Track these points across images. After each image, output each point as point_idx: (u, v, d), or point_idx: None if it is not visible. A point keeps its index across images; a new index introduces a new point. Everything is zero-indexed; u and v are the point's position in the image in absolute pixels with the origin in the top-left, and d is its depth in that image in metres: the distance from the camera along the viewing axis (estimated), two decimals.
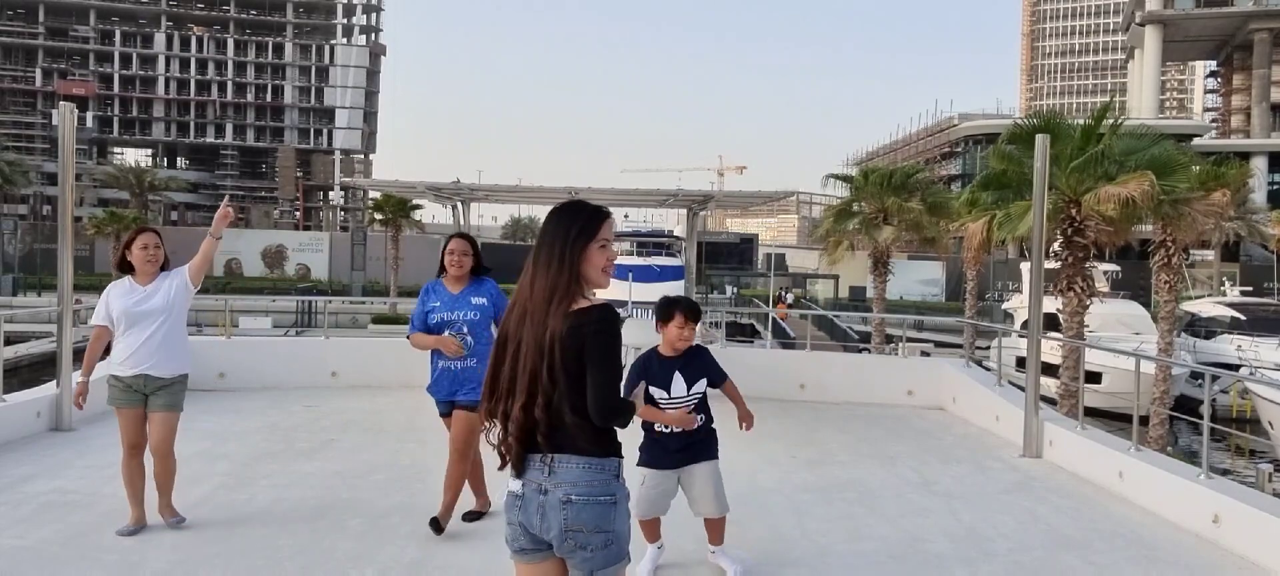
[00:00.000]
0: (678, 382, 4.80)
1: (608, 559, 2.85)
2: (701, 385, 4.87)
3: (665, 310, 4.84)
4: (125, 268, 5.44)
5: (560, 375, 2.80)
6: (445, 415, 5.69)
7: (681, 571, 5.14)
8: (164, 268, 5.47)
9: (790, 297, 51.68)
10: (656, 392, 4.75)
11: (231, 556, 5.10)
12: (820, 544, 5.67)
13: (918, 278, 59.19)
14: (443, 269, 5.64)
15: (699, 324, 4.82)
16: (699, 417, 4.85)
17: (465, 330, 5.48)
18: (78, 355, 8.28)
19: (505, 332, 2.93)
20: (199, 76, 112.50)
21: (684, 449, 4.88)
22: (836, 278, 52.03)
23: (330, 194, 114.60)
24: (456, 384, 5.55)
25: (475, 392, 5.26)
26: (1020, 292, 35.60)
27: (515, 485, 2.89)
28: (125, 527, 5.31)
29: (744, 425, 5.00)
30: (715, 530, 5.05)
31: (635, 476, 4.25)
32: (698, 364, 4.89)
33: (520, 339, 2.87)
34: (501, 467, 2.93)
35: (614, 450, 2.90)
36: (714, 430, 4.99)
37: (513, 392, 2.87)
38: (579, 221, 2.91)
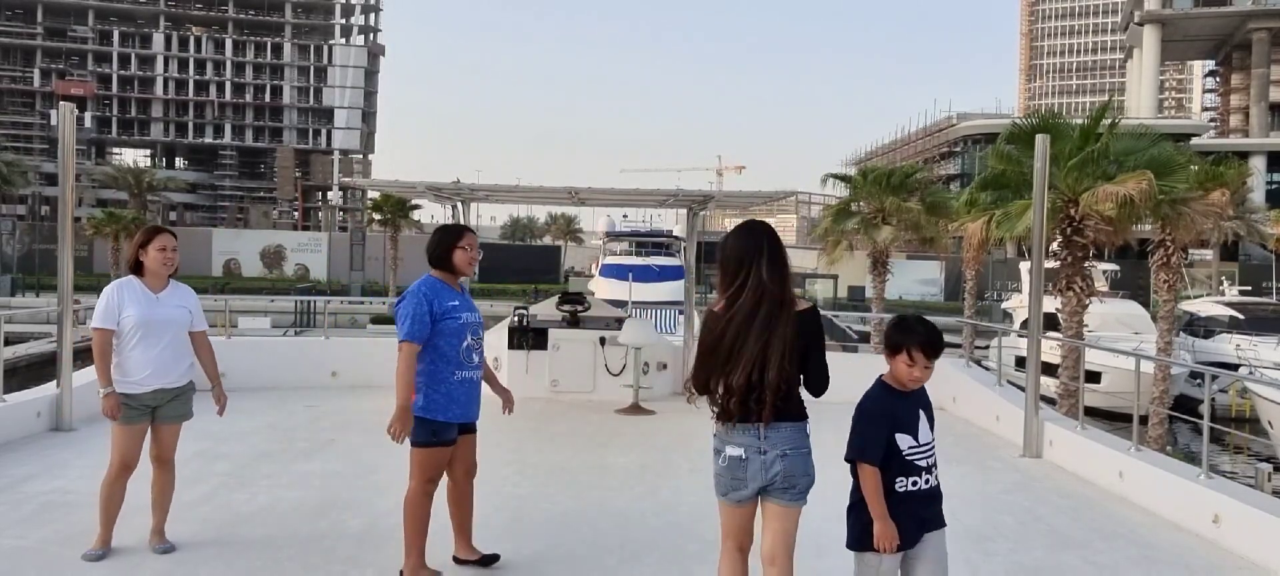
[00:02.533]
0: (924, 425, 3.71)
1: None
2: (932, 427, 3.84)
3: (894, 338, 3.72)
4: (136, 268, 5.06)
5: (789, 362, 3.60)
6: (435, 444, 4.66)
7: None
8: (174, 272, 5.17)
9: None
10: (903, 440, 3.63)
11: (231, 556, 5.09)
12: (820, 544, 5.66)
13: (916, 277, 59.18)
14: (445, 264, 4.76)
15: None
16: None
17: (480, 334, 4.83)
18: (78, 355, 8.32)
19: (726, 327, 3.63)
20: (197, 77, 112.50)
21: (933, 511, 3.72)
22: (835, 277, 52.03)
23: (329, 194, 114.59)
24: (475, 398, 4.81)
25: (478, 406, 4.82)
26: (1019, 292, 35.60)
27: (736, 449, 3.66)
28: (93, 552, 4.95)
29: None
30: None
31: (866, 563, 3.67)
32: (927, 399, 3.81)
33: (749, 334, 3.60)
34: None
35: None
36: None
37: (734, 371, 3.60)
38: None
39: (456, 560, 4.98)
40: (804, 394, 3.73)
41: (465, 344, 4.69)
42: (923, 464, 3.63)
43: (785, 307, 3.61)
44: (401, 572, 4.70)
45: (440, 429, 4.64)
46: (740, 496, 3.71)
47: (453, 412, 4.65)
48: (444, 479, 4.81)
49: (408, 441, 4.61)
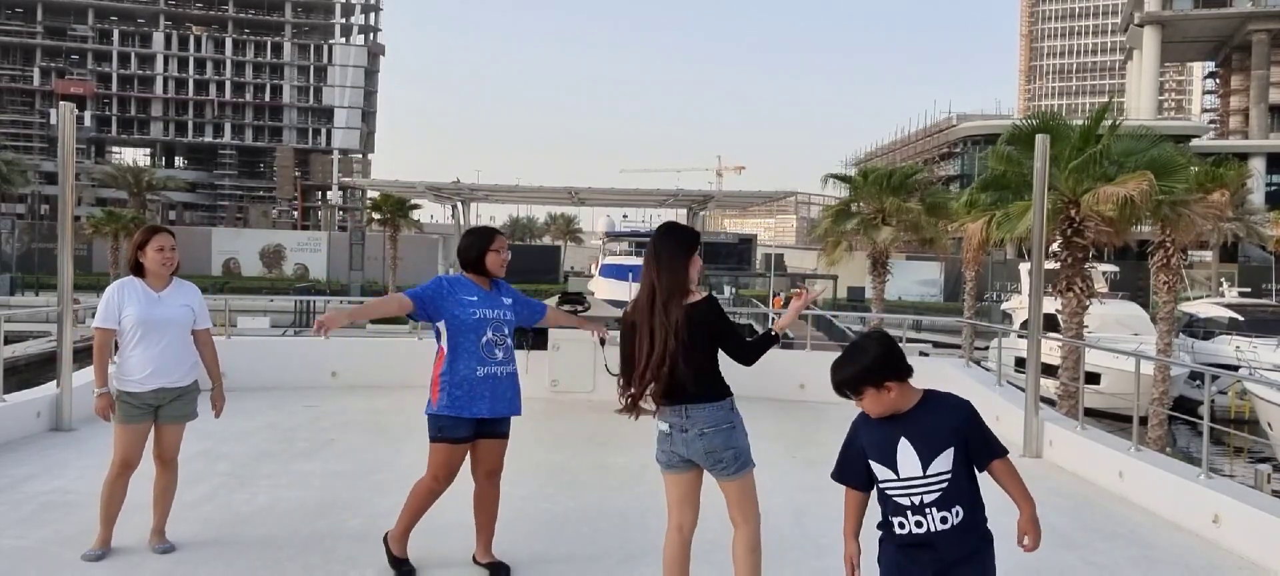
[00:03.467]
0: (908, 458, 3.10)
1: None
2: (947, 460, 3.07)
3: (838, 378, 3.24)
4: (136, 268, 5.03)
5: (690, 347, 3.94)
6: (468, 439, 4.73)
7: None
8: (175, 271, 5.13)
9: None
10: (879, 470, 3.14)
11: (231, 556, 5.09)
12: (820, 544, 5.66)
13: (916, 278, 59.23)
14: (476, 266, 4.83)
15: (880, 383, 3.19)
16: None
17: (506, 331, 4.81)
18: (78, 355, 8.32)
19: (632, 320, 4.02)
20: (197, 76, 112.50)
21: (947, 563, 3.09)
22: (835, 278, 52.06)
23: (328, 194, 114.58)
24: (503, 395, 4.78)
25: (514, 406, 4.85)
26: (1019, 293, 35.62)
27: (663, 424, 4.05)
28: (92, 552, 4.93)
29: (1026, 538, 3.18)
30: None
31: None
32: (939, 424, 3.13)
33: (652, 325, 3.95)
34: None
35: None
36: (987, 536, 3.17)
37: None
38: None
39: (475, 561, 5.03)
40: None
41: (485, 339, 4.69)
42: (907, 502, 3.07)
43: (671, 302, 3.93)
44: (386, 536, 4.96)
45: (447, 425, 4.67)
46: (670, 465, 4.11)
47: (464, 408, 4.66)
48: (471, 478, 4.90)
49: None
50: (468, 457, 4.84)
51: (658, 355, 3.90)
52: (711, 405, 3.99)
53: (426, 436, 4.88)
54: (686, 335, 3.90)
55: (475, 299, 4.72)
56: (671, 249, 4.03)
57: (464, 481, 4.92)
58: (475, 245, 4.84)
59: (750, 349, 4.04)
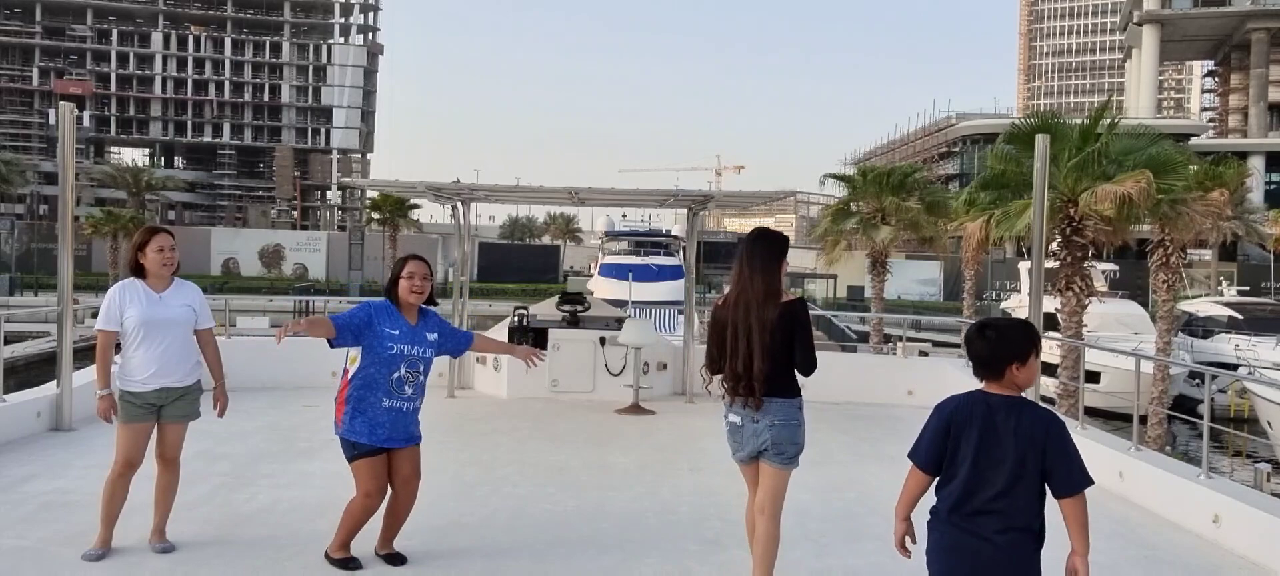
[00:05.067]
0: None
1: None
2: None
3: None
4: (137, 270, 5.03)
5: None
6: (365, 456, 4.81)
7: None
8: (175, 271, 5.13)
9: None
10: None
11: (232, 556, 5.09)
12: (820, 544, 5.67)
13: (915, 277, 59.22)
14: (393, 291, 4.91)
15: None
16: None
17: (421, 369, 4.94)
18: (78, 355, 8.32)
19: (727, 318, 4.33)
20: (196, 76, 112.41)
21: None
22: (834, 277, 52.04)
23: (327, 193, 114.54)
24: (403, 428, 4.90)
25: (413, 436, 4.99)
26: (1018, 292, 35.63)
27: (735, 417, 4.37)
28: (93, 552, 4.93)
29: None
30: None
31: None
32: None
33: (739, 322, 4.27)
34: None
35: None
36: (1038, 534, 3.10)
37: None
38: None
39: (376, 552, 5.11)
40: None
41: (397, 375, 4.82)
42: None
43: (767, 302, 4.24)
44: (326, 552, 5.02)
45: (360, 444, 4.83)
46: (739, 457, 4.47)
47: (363, 436, 4.80)
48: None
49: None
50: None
51: (759, 350, 4.20)
52: (785, 401, 4.30)
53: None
54: (780, 334, 4.22)
55: (397, 333, 4.82)
56: (766, 253, 4.33)
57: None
58: (391, 274, 4.98)
59: (815, 358, 4.32)
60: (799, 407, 4.37)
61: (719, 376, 4.41)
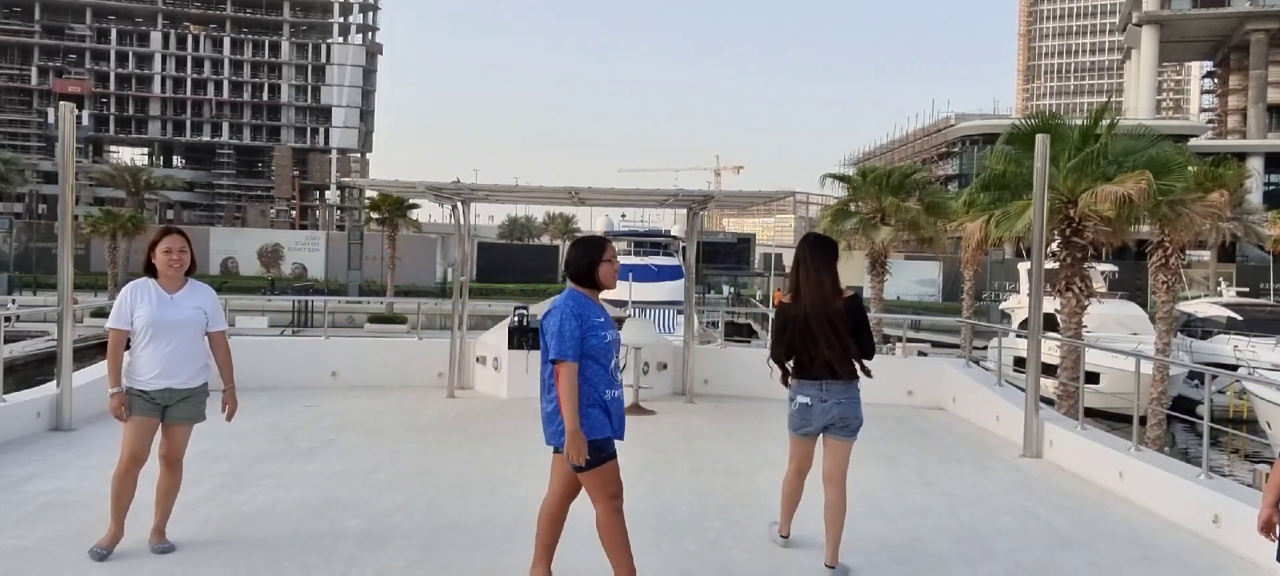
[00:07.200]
0: None
1: None
2: None
3: None
4: (151, 270, 5.07)
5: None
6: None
7: None
8: (188, 271, 5.14)
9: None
10: None
11: (231, 556, 5.09)
12: (820, 544, 5.67)
13: (914, 278, 59.23)
14: (590, 280, 4.53)
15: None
16: None
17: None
18: (78, 355, 8.32)
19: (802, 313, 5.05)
20: (195, 75, 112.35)
21: None
22: None
23: (326, 193, 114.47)
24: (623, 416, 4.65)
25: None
26: (1017, 292, 35.63)
27: (804, 397, 5.14)
28: (99, 549, 4.95)
29: None
30: None
31: None
32: None
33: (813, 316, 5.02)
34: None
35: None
36: None
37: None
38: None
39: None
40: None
41: (614, 362, 4.52)
42: None
43: (834, 295, 5.01)
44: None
45: (605, 445, 4.48)
46: (806, 431, 5.22)
47: (611, 429, 4.48)
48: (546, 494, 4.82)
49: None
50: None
51: (840, 340, 4.97)
52: (847, 382, 5.09)
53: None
54: (851, 321, 5.00)
55: (603, 320, 4.51)
56: (825, 255, 5.09)
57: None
58: (585, 257, 4.53)
59: (874, 343, 5.19)
60: (859, 388, 5.15)
61: (789, 364, 5.12)
